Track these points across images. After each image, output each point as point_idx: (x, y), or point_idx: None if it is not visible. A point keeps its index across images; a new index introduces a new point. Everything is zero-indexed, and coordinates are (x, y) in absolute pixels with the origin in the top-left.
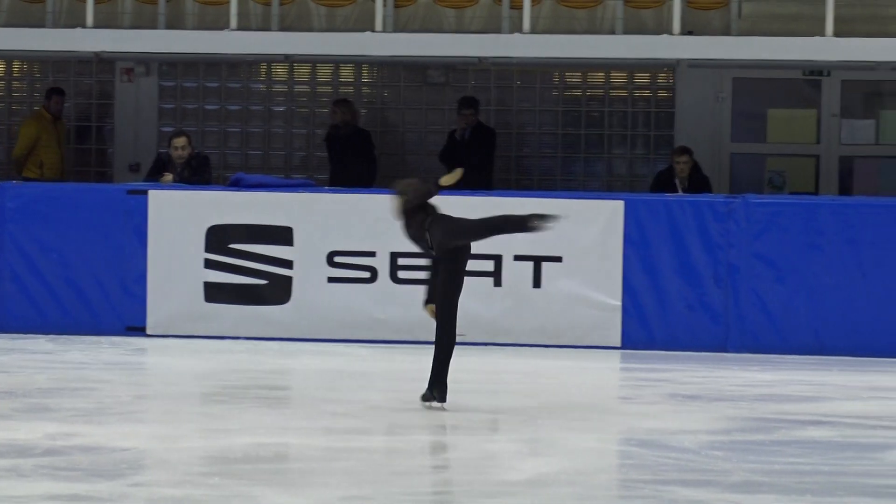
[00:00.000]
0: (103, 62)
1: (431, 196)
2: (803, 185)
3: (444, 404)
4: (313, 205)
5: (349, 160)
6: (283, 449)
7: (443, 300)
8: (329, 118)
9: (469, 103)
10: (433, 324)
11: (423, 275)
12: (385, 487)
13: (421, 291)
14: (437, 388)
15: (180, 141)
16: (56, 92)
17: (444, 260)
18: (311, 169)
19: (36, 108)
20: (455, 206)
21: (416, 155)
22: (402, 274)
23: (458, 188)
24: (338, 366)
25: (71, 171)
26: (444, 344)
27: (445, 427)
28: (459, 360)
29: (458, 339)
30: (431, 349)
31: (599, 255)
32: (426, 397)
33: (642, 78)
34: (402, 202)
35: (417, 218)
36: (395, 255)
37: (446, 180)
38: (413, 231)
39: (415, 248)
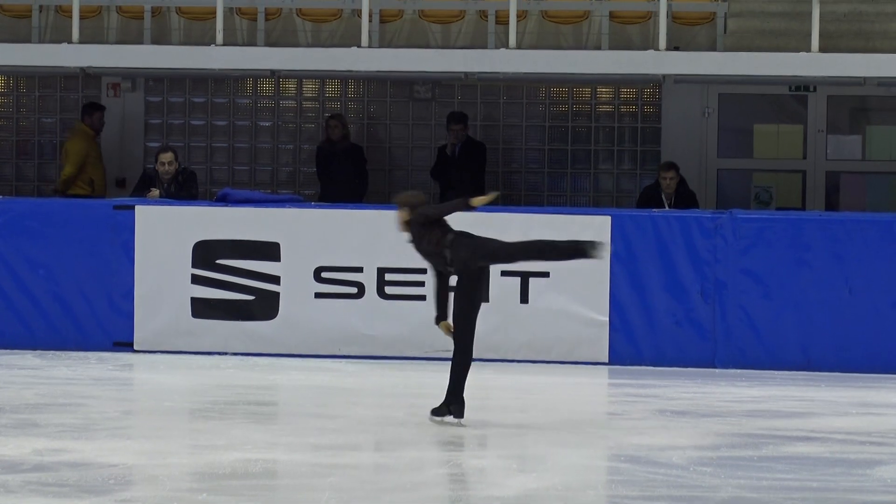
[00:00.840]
0: (89, 77)
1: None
2: (790, 200)
3: (462, 420)
4: (300, 220)
5: (343, 175)
6: (271, 465)
7: (462, 317)
8: (323, 133)
9: (458, 118)
10: (420, 340)
11: (409, 290)
12: None
13: (408, 307)
14: (454, 405)
15: (167, 156)
16: (96, 108)
17: (465, 278)
18: (298, 184)
19: (75, 123)
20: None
21: (402, 170)
22: (389, 289)
23: None
24: (325, 381)
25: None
26: (462, 361)
27: (433, 443)
28: (446, 377)
29: (445, 354)
30: (418, 365)
31: (587, 271)
32: (440, 412)
33: (628, 93)
34: (411, 215)
35: (434, 233)
36: (382, 271)
37: (479, 202)
38: (427, 246)
39: (404, 264)
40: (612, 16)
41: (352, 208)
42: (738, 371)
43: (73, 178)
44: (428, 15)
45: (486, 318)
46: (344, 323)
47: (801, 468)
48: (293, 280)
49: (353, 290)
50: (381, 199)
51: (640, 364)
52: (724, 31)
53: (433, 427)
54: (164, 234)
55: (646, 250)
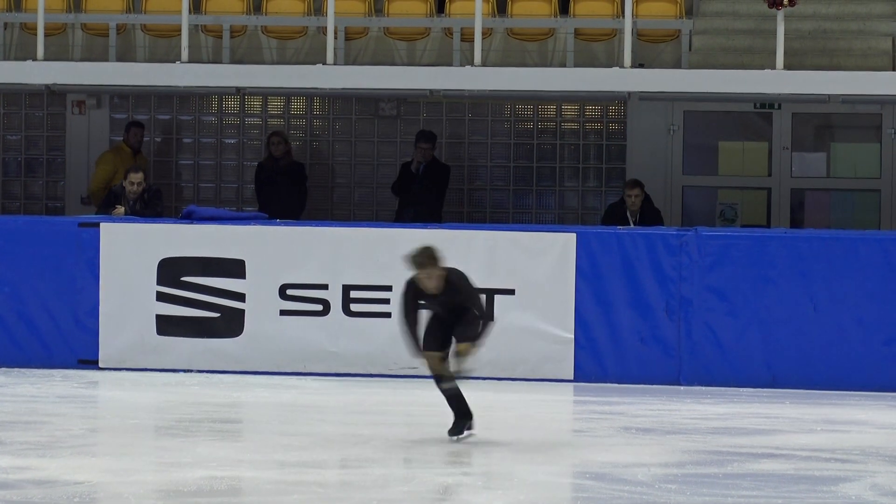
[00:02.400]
0: (54, 95)
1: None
2: (755, 217)
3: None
4: (265, 238)
5: (283, 192)
6: (236, 482)
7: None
8: (266, 150)
9: (427, 137)
10: (385, 357)
11: (374, 308)
12: None
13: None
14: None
15: (137, 177)
16: (135, 125)
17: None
18: None
19: (115, 140)
20: (409, 239)
21: (367, 188)
22: (354, 307)
23: (410, 222)
24: (290, 399)
25: (24, 203)
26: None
27: (399, 460)
28: (413, 393)
29: (410, 372)
30: (383, 382)
31: (552, 288)
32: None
33: (594, 111)
34: (444, 272)
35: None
36: (347, 288)
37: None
38: (442, 305)
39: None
40: (577, 33)
41: (317, 226)
42: (703, 388)
43: (99, 192)
44: (393, 32)
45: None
46: (309, 340)
47: (766, 485)
48: (258, 297)
49: (319, 307)
50: (346, 217)
51: (605, 381)
52: (689, 49)
53: (398, 444)
54: (130, 252)
55: (611, 267)
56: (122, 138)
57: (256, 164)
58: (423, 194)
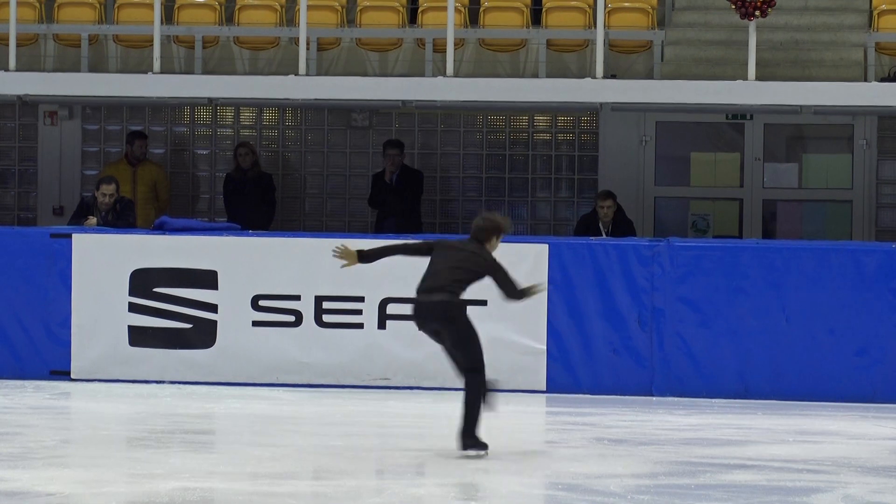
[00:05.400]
0: (26, 105)
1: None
2: (727, 228)
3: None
4: (238, 248)
5: (252, 203)
6: (208, 493)
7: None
8: (234, 161)
9: (394, 144)
10: (358, 368)
11: (347, 318)
12: None
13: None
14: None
15: (109, 188)
16: (137, 136)
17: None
18: None
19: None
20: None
21: (339, 199)
22: (327, 318)
23: (387, 233)
24: (263, 410)
25: None
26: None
27: (371, 471)
28: (385, 404)
29: (382, 383)
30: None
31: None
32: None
33: (566, 121)
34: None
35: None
36: (319, 299)
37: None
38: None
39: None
40: (549, 44)
41: (290, 236)
42: (676, 399)
43: None
44: (365, 43)
45: (424, 347)
46: (281, 351)
47: (738, 496)
48: (231, 308)
49: (291, 318)
50: (318, 227)
51: (577, 392)
52: (662, 60)
53: (371, 455)
54: (102, 263)
55: (583, 278)
56: (123, 150)
57: (225, 174)
58: (399, 203)
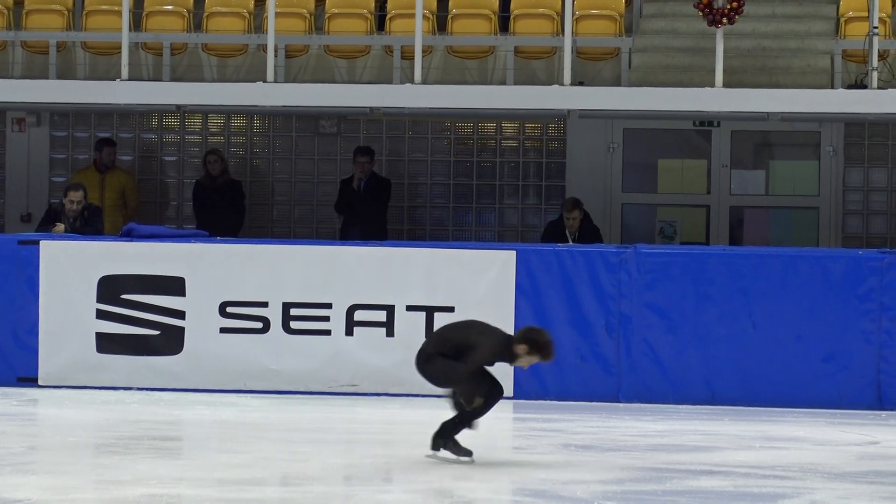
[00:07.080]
0: None
1: None
2: (694, 235)
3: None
4: (205, 255)
5: (221, 210)
6: (176, 500)
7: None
8: (203, 168)
9: (364, 151)
10: (325, 374)
11: (314, 325)
12: None
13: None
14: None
15: (77, 195)
16: (105, 143)
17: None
18: None
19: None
20: (348, 257)
21: (307, 206)
22: (294, 324)
23: (352, 240)
24: (231, 416)
25: None
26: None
27: (339, 478)
28: (353, 411)
29: (350, 389)
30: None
31: (491, 305)
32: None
33: (533, 128)
34: None
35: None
36: (287, 306)
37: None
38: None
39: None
40: (517, 51)
41: (257, 243)
42: (643, 405)
43: None
44: (333, 50)
45: (392, 353)
46: (249, 358)
47: (705, 502)
48: (198, 315)
49: (259, 324)
50: (286, 234)
51: (544, 398)
52: (629, 67)
53: (339, 462)
54: (69, 269)
55: (550, 285)
56: (92, 157)
57: (194, 181)
58: (366, 211)
